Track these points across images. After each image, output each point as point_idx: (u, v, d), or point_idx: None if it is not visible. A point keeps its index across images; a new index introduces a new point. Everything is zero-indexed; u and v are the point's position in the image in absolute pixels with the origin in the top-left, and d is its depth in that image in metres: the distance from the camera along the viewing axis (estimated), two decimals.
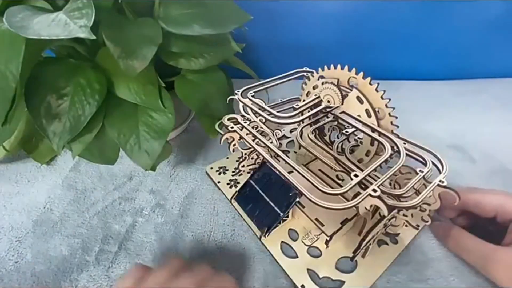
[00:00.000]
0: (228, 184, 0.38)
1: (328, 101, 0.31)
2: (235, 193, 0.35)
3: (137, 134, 0.32)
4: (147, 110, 0.33)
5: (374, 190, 0.22)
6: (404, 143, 0.28)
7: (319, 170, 0.36)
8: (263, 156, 0.28)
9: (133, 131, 0.32)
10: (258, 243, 0.32)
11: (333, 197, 0.22)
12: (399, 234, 0.32)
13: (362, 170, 0.24)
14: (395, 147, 0.27)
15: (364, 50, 0.61)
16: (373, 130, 0.28)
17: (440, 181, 0.25)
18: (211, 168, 0.41)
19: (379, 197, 0.22)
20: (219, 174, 0.40)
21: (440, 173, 0.26)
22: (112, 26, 0.29)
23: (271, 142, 0.30)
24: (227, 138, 0.32)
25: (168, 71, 0.36)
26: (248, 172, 0.37)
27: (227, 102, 0.35)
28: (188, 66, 0.34)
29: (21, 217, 0.36)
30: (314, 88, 0.33)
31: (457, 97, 0.56)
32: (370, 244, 0.28)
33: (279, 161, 0.27)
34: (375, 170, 0.24)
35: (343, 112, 0.30)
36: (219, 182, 0.39)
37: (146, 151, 0.32)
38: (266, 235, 0.31)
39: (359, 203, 0.22)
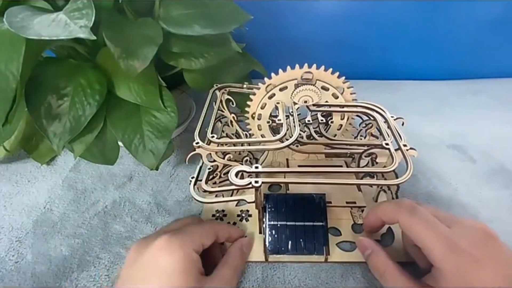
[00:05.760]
0: None
1: (305, 101, 0.33)
2: (266, 250, 0.29)
3: (141, 134, 0.33)
4: (149, 110, 0.33)
5: (387, 144, 0.28)
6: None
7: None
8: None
9: (137, 131, 0.32)
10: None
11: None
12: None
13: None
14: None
15: (365, 50, 0.61)
16: (342, 106, 0.33)
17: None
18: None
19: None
20: None
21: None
22: (113, 26, 0.29)
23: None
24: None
25: (168, 71, 0.36)
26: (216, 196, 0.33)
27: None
28: (189, 66, 0.34)
29: (21, 217, 0.36)
30: (270, 98, 0.33)
31: (457, 97, 0.56)
32: None
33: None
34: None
35: (314, 105, 0.33)
36: None
37: (151, 150, 0.32)
38: (329, 254, 0.29)
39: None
